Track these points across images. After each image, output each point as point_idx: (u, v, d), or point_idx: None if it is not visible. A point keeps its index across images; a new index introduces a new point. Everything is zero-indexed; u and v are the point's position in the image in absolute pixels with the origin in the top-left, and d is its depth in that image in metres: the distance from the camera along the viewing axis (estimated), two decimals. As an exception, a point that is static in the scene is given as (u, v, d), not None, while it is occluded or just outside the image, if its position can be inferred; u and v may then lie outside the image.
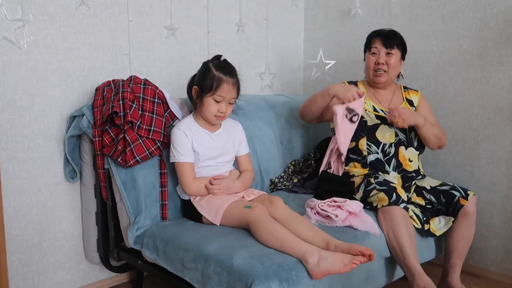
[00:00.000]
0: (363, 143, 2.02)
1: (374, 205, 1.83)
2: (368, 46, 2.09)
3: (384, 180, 1.88)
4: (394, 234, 1.70)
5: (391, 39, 2.03)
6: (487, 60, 2.19)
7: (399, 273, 1.79)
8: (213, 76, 1.73)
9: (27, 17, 1.80)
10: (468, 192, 1.92)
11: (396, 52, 2.04)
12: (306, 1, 2.92)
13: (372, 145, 2.02)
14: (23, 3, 1.78)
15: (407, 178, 2.00)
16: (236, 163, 1.95)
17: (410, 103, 2.12)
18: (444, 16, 2.31)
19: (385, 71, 2.04)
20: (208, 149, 1.81)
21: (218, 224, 1.68)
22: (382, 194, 1.80)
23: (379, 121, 2.04)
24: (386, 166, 2.01)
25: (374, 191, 1.84)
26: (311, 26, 2.91)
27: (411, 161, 2.02)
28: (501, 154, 2.19)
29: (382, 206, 1.78)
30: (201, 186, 1.77)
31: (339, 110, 1.92)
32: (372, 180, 1.90)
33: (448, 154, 2.35)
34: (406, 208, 1.81)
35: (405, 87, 2.20)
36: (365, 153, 2.02)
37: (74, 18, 1.93)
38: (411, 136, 2.06)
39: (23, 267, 1.90)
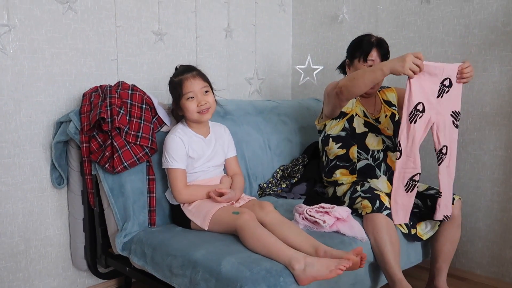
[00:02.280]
0: (353, 151, 2.03)
1: (359, 212, 1.84)
2: (363, 56, 1.99)
3: (369, 187, 1.89)
4: (375, 242, 1.72)
5: (385, 51, 2.00)
6: (471, 66, 2.23)
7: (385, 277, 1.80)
8: (174, 84, 1.81)
9: (13, 22, 1.79)
10: (454, 196, 1.94)
11: None
12: (294, 7, 2.94)
13: (362, 152, 2.03)
14: (9, 8, 1.77)
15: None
16: (225, 166, 1.95)
17: (388, 103, 2.14)
18: (430, 22, 2.35)
19: (377, 83, 2.03)
20: (203, 155, 1.83)
21: (206, 229, 1.68)
22: (366, 202, 1.82)
23: (366, 129, 2.05)
24: (377, 170, 2.03)
25: (359, 199, 1.86)
26: (299, 32, 2.93)
27: None
28: (486, 159, 2.22)
29: (366, 213, 1.80)
30: (192, 194, 1.77)
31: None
32: (358, 187, 1.92)
33: (433, 158, 2.37)
34: (390, 215, 1.83)
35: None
36: (355, 160, 2.03)
37: (61, 23, 1.92)
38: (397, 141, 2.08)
39: (9, 275, 1.87)
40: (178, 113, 1.86)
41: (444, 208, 1.85)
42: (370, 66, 1.99)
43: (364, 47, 2.00)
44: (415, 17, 2.40)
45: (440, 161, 1.81)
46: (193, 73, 1.79)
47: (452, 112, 1.77)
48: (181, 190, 1.76)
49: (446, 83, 1.73)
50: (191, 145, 1.81)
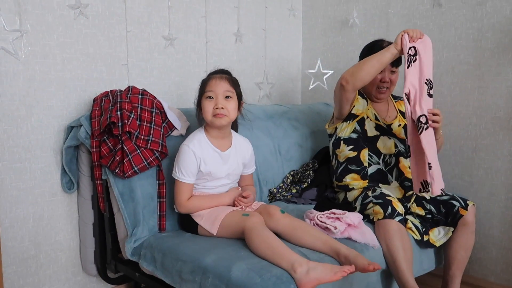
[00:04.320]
0: (364, 153, 2.01)
1: (371, 218, 1.82)
2: None
3: (381, 193, 1.86)
4: (388, 248, 1.70)
5: (398, 58, 1.97)
6: (484, 70, 2.20)
7: (397, 285, 1.78)
8: (202, 81, 1.79)
9: (25, 27, 1.80)
10: (468, 202, 1.91)
11: (398, 69, 2.03)
12: (304, 11, 2.93)
13: (373, 155, 2.01)
14: (21, 14, 1.78)
15: (408, 187, 2.00)
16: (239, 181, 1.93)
17: (403, 114, 2.12)
18: (442, 26, 2.33)
19: (387, 88, 2.02)
20: (216, 170, 1.77)
21: (215, 234, 1.66)
22: (377, 208, 1.79)
23: (378, 133, 2.03)
24: (389, 176, 2.00)
25: (371, 204, 1.84)
26: (309, 36, 2.92)
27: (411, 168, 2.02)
28: (500, 164, 2.19)
29: (378, 219, 1.77)
30: (195, 206, 1.74)
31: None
32: (369, 193, 1.89)
33: (446, 164, 2.34)
34: (405, 220, 1.80)
35: (393, 96, 2.19)
36: (365, 164, 2.00)
37: (72, 28, 1.93)
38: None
39: (19, 279, 1.88)
40: (200, 115, 1.79)
41: (438, 181, 1.74)
42: (381, 72, 1.98)
43: (374, 52, 1.97)
44: (426, 21, 2.38)
45: (420, 130, 1.73)
46: (222, 75, 1.76)
47: (426, 80, 1.75)
48: (182, 203, 1.73)
49: (412, 52, 1.74)
50: (204, 160, 1.73)
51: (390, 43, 2.00)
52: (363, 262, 1.44)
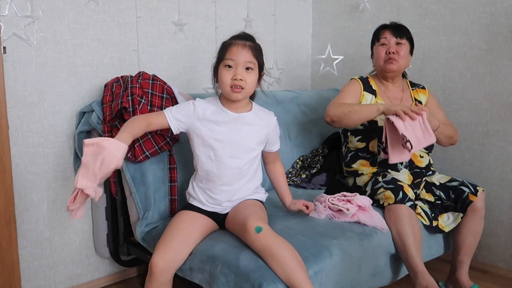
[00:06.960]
0: (374, 144, 2.01)
1: (381, 203, 1.83)
2: (376, 38, 2.05)
3: (392, 178, 1.87)
4: (398, 233, 1.70)
5: (400, 30, 2.01)
6: (496, 55, 2.18)
7: (406, 269, 1.79)
8: (222, 45, 1.59)
9: (37, 13, 1.81)
10: (477, 188, 1.91)
11: (405, 43, 2.01)
12: (314, -4, 2.91)
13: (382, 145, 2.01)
14: (32, 0, 1.79)
15: (418, 174, 1.99)
16: (262, 157, 1.76)
17: (420, 104, 2.10)
18: (453, 10, 2.30)
19: (396, 60, 1.99)
20: (225, 132, 1.56)
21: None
22: (388, 192, 1.80)
23: None
24: (398, 164, 2.00)
25: (381, 189, 1.84)
26: (319, 21, 2.90)
27: (422, 157, 2.01)
28: (511, 150, 2.17)
29: (389, 204, 1.78)
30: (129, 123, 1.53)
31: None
32: (380, 178, 1.90)
33: (457, 150, 2.34)
34: (414, 206, 1.81)
35: (411, 83, 2.17)
36: (376, 152, 2.01)
37: (83, 14, 1.94)
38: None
39: (35, 261, 1.92)
40: (215, 82, 1.61)
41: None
42: (383, 44, 2.01)
43: (376, 30, 2.07)
44: (438, 5, 2.35)
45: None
46: (245, 43, 1.54)
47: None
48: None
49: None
50: (212, 115, 1.56)
51: (394, 22, 2.01)
52: None
